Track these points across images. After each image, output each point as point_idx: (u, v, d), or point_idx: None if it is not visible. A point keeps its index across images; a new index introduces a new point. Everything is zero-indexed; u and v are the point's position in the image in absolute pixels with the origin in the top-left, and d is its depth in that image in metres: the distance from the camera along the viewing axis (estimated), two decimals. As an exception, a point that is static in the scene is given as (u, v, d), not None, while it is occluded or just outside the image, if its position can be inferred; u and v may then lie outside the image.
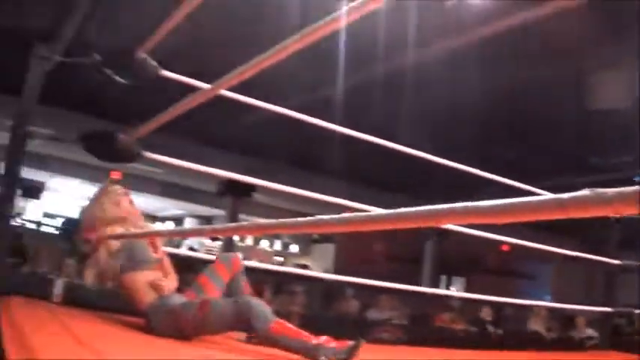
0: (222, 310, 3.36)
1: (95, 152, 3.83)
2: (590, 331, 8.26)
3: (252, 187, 14.84)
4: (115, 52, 3.75)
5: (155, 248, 3.79)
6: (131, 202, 3.90)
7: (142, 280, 3.55)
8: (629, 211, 0.97)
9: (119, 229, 3.66)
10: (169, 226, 21.41)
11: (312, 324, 3.74)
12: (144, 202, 19.60)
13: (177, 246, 19.36)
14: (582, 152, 12.01)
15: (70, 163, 15.95)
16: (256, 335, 3.33)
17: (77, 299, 4.15)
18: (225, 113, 9.95)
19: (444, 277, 22.15)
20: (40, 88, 4.53)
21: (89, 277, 3.56)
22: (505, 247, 19.77)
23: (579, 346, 7.57)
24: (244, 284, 3.79)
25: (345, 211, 1.62)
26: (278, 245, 22.86)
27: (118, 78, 3.76)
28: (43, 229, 17.67)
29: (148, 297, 3.52)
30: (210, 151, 12.98)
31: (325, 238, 21.31)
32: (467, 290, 22.57)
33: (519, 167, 8.22)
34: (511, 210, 1.11)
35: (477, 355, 5.74)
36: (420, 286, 19.68)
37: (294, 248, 22.73)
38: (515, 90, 9.49)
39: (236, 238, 18.40)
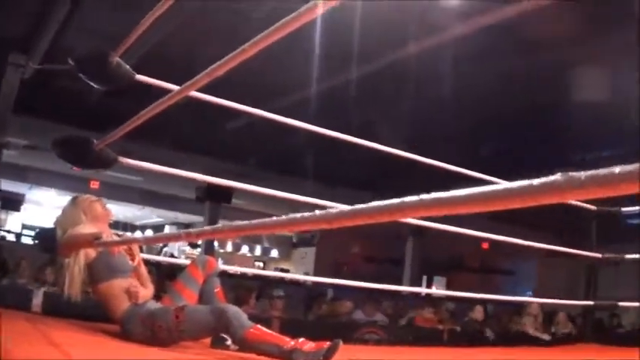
0: (198, 316, 3.34)
1: (69, 159, 3.79)
2: (570, 326, 8.26)
3: (230, 192, 14.88)
4: (89, 57, 3.71)
5: (132, 256, 3.76)
6: (103, 206, 3.86)
7: (117, 287, 3.52)
8: (604, 194, 0.94)
9: (91, 228, 3.62)
10: (148, 234, 21.33)
11: (295, 328, 3.73)
12: (123, 210, 19.53)
13: (158, 254, 19.37)
14: (561, 147, 12.05)
15: (48, 174, 15.87)
16: (233, 341, 3.32)
17: (57, 308, 4.11)
18: (201, 118, 9.92)
19: (424, 278, 22.24)
20: (17, 97, 4.47)
21: (65, 287, 3.53)
22: (485, 246, 19.87)
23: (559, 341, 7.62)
24: (217, 287, 3.77)
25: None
26: (258, 251, 22.84)
27: (93, 84, 3.73)
28: (24, 240, 17.63)
29: (123, 304, 3.49)
30: (188, 156, 12.92)
31: (305, 242, 21.33)
32: (448, 289, 22.67)
33: (497, 163, 8.22)
34: (482, 199, 1.07)
35: (459, 352, 5.74)
36: (402, 284, 19.80)
37: (274, 253, 22.71)
38: (490, 87, 9.52)
39: (216, 244, 18.39)
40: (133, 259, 3.75)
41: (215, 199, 15.41)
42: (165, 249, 21.47)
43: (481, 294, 7.74)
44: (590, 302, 6.24)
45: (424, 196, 1.16)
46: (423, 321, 9.05)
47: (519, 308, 9.99)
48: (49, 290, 4.97)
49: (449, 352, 5.69)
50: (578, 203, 5.77)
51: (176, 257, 20.59)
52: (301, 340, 3.16)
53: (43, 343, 2.88)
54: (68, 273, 3.51)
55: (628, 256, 5.86)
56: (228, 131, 11.92)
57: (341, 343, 3.16)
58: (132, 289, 3.51)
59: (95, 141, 3.67)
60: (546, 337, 7.85)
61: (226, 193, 14.91)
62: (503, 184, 1.05)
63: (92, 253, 3.54)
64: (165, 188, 17.62)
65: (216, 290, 3.75)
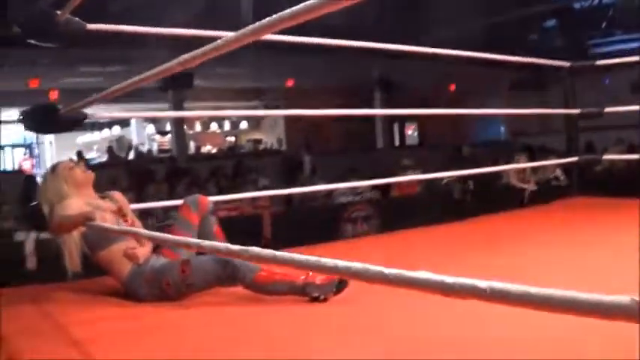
0: (205, 267, 3.33)
1: (39, 128, 3.70)
2: (558, 172, 8.29)
3: (191, 77, 14.73)
4: (34, 20, 3.57)
5: (124, 217, 3.72)
6: (83, 171, 3.78)
7: (116, 252, 3.48)
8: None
9: (78, 201, 3.56)
10: (115, 130, 21.08)
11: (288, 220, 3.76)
12: (92, 110, 19.21)
13: (129, 149, 19.27)
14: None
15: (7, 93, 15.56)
16: (244, 286, 3.33)
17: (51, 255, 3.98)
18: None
19: (396, 125, 22.34)
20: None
21: (66, 263, 3.50)
22: (452, 87, 19.89)
23: (546, 185, 7.70)
24: (215, 226, 3.76)
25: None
26: (227, 125, 22.71)
27: (44, 44, 3.63)
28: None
29: (125, 268, 3.47)
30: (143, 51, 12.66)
31: (273, 108, 21.20)
32: (421, 134, 22.84)
33: None
34: None
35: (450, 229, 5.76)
36: (376, 140, 19.95)
37: (243, 125, 22.58)
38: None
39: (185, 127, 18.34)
40: (125, 220, 3.71)
41: (177, 87, 15.31)
42: (134, 141, 21.33)
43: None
44: (575, 158, 6.24)
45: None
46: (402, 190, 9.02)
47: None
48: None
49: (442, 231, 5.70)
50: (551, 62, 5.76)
51: (144, 147, 20.52)
52: (311, 273, 3.17)
53: (56, 338, 2.87)
54: (66, 249, 3.47)
55: (608, 109, 5.84)
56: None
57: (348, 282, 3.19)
58: (129, 251, 3.47)
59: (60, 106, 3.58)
60: (532, 186, 7.90)
61: (187, 79, 14.76)
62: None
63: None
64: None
65: (214, 230, 3.75)
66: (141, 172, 12.31)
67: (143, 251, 3.52)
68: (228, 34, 1.98)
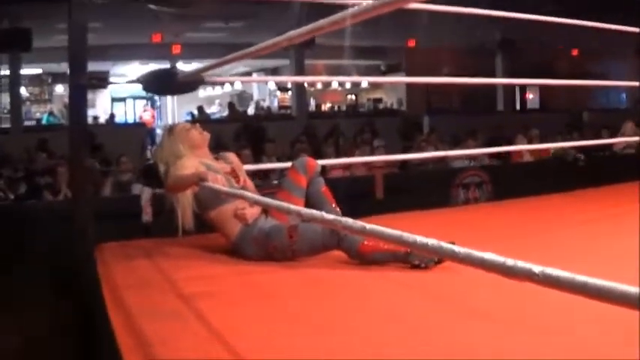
0: (311, 234, 3.41)
1: (158, 90, 3.84)
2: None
3: (313, 37, 14.76)
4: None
5: (236, 178, 3.82)
6: (200, 132, 3.88)
7: (226, 212, 3.59)
8: None
9: (193, 161, 3.67)
10: (237, 85, 21.35)
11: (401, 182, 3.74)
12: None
13: (248, 102, 19.51)
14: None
15: (129, 47, 15.97)
16: (349, 256, 3.38)
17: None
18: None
19: (517, 90, 21.88)
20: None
21: (179, 221, 3.62)
22: (575, 52, 19.28)
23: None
24: (323, 187, 3.81)
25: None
26: (348, 84, 22.75)
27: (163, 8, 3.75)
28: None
29: (235, 228, 3.58)
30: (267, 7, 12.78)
31: (394, 69, 21.10)
32: (542, 98, 22.31)
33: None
34: None
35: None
36: (496, 102, 19.60)
37: (364, 83, 22.56)
38: None
39: (306, 85, 18.42)
40: (237, 181, 3.81)
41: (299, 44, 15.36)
42: (254, 98, 21.59)
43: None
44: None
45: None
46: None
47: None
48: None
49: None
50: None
51: (264, 103, 20.76)
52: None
53: (166, 291, 2.97)
54: (179, 208, 3.60)
55: None
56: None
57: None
58: (239, 212, 3.57)
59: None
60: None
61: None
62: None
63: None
64: (247, 38, 17.55)
65: (322, 190, 3.81)
66: (259, 130, 12.45)
67: (252, 212, 3.61)
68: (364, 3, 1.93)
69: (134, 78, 3.91)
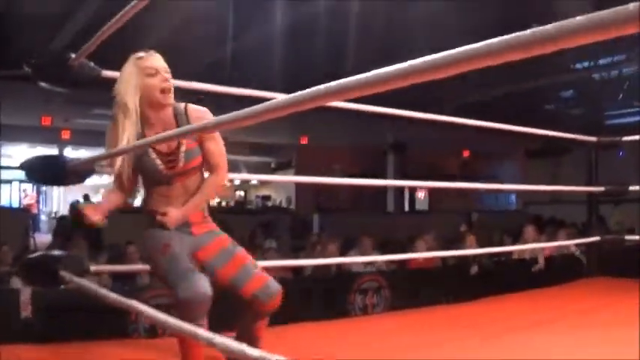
0: None
1: (43, 180, 3.50)
2: (573, 248, 7.86)
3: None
4: (47, 63, 3.40)
5: None
6: None
7: None
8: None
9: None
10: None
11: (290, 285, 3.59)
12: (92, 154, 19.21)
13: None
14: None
15: (18, 129, 15.41)
16: None
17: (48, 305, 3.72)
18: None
19: (406, 190, 22.13)
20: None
21: None
22: (466, 153, 19.71)
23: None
24: None
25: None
26: (237, 180, 22.58)
27: (56, 88, 3.45)
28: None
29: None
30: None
31: (284, 166, 21.05)
32: (431, 198, 22.61)
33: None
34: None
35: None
36: (386, 202, 19.72)
37: (254, 180, 22.44)
38: None
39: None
40: None
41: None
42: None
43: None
44: (597, 238, 6.00)
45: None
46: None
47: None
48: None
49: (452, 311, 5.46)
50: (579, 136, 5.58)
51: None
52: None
53: None
54: None
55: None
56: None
57: None
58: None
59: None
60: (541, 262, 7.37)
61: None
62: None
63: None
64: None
65: None
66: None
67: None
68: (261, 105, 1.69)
69: (20, 163, 3.60)
